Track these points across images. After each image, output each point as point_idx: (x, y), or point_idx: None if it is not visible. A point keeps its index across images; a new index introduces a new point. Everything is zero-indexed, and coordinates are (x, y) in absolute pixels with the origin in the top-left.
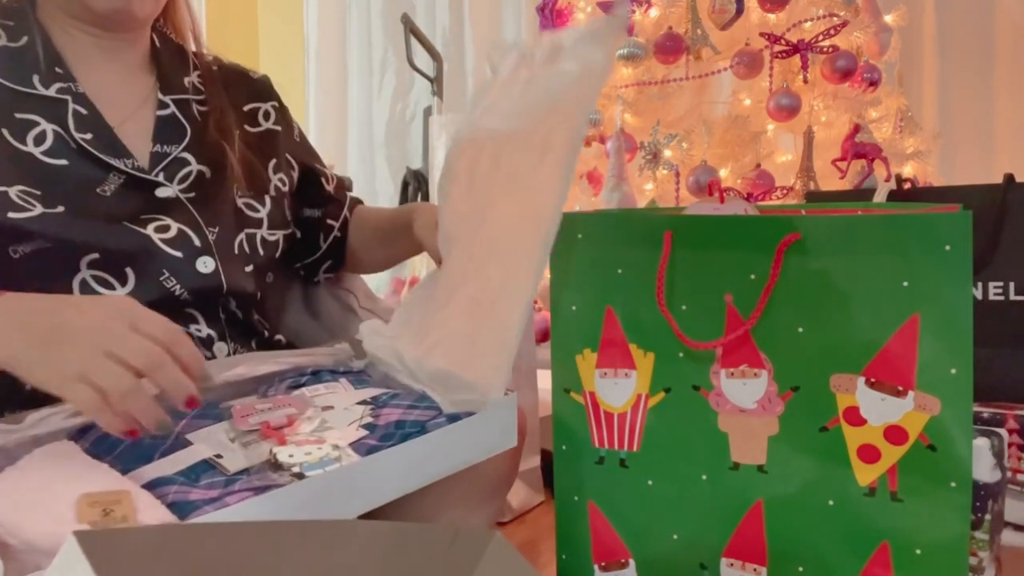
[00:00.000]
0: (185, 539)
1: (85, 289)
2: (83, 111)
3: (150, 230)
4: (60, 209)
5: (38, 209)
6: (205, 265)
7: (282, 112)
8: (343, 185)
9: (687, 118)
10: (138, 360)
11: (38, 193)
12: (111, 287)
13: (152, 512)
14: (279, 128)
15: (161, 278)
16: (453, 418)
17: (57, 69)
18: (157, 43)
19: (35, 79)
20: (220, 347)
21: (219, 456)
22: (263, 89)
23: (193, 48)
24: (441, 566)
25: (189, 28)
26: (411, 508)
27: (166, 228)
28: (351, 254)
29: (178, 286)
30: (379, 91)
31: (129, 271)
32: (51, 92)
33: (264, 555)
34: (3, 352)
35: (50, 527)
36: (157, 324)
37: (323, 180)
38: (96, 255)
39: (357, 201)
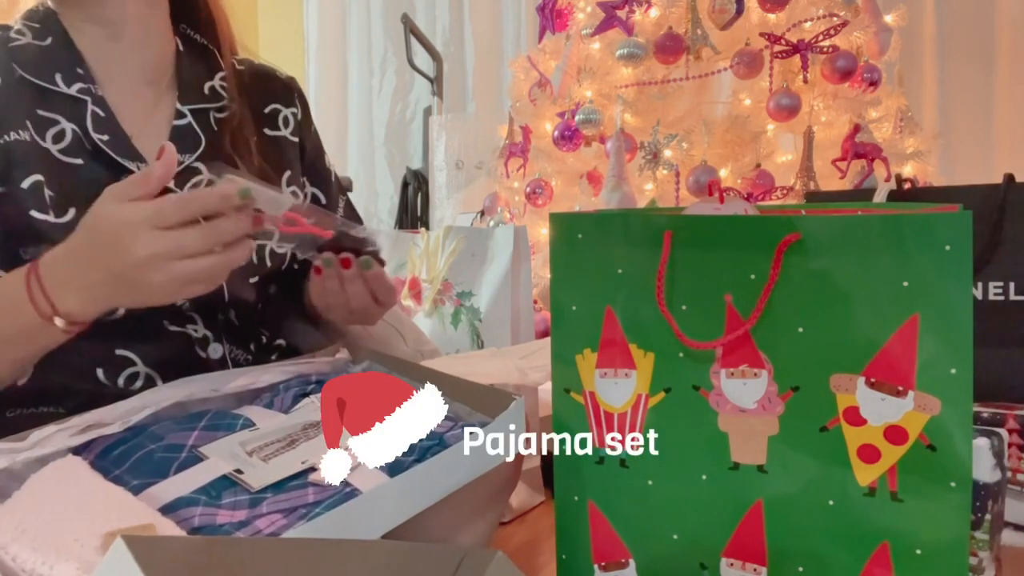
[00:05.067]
0: (226, 552)
1: None
2: (101, 113)
3: None
4: (71, 215)
5: (53, 216)
6: None
7: (302, 125)
8: (353, 213)
9: (687, 118)
10: (197, 257)
11: (52, 195)
12: None
13: None
14: (296, 139)
15: None
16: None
17: (78, 70)
18: (180, 47)
19: (58, 77)
20: (215, 348)
21: (239, 472)
22: (286, 92)
23: (233, 49)
24: None
25: (219, 28)
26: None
27: None
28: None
29: None
30: (379, 91)
31: None
32: (72, 91)
33: (288, 573)
34: (100, 305)
35: None
36: (169, 209)
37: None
38: None
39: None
